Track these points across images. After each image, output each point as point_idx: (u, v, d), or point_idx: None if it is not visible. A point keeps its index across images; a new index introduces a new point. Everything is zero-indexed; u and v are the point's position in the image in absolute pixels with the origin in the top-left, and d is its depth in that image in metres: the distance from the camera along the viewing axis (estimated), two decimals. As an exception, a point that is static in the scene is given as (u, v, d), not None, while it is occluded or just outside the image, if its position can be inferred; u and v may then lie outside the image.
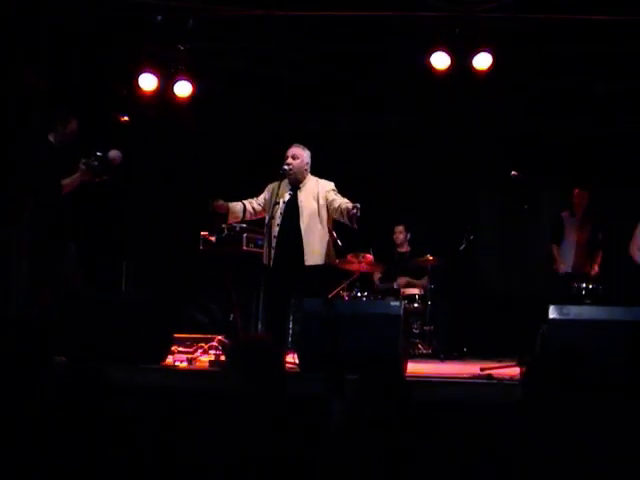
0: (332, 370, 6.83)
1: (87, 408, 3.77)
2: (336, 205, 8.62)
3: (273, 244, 8.69)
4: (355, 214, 8.37)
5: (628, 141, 12.81)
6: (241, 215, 9.00)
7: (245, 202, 9.02)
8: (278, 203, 8.69)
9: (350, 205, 8.43)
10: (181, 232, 12.12)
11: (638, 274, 11.47)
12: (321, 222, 8.81)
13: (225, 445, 3.54)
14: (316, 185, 8.85)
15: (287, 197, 8.77)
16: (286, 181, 8.85)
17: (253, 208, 9.00)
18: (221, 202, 8.90)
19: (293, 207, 8.77)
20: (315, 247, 8.80)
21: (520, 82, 11.65)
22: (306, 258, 8.74)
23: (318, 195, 8.79)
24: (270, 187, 8.98)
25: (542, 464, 2.97)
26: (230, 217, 9.05)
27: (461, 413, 6.90)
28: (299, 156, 8.84)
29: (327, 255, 8.86)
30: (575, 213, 11.46)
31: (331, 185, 8.86)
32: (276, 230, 8.70)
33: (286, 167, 8.76)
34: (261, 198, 9.03)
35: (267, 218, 8.84)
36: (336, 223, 8.97)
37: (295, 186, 8.84)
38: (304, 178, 8.87)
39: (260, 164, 9.10)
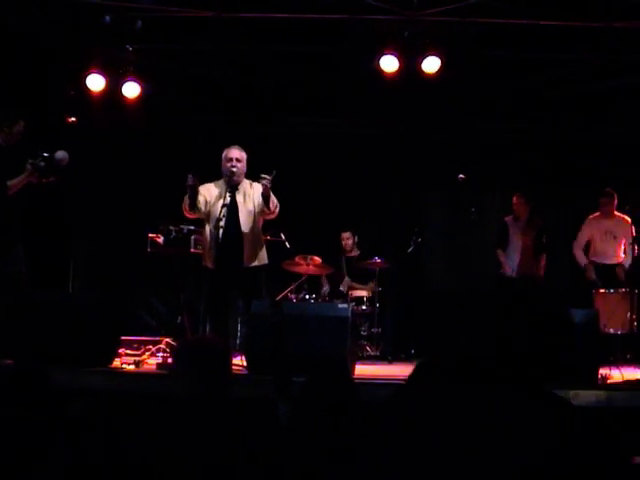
0: (279, 372, 6.84)
1: (32, 411, 3.74)
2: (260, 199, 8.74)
3: (218, 247, 8.68)
4: (265, 185, 8.48)
5: (574, 144, 12.96)
6: (197, 207, 8.84)
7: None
8: (226, 205, 8.67)
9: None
10: (129, 234, 12.06)
11: (583, 276, 11.62)
12: (257, 224, 8.96)
13: (172, 447, 3.53)
14: (251, 188, 8.87)
15: (228, 199, 8.76)
16: (222, 182, 8.89)
17: (201, 207, 8.92)
18: (197, 181, 8.74)
19: (233, 209, 8.79)
20: (254, 249, 8.90)
21: (468, 86, 11.72)
22: (247, 260, 8.81)
23: (254, 198, 8.82)
24: (206, 190, 8.96)
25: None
26: (196, 201, 8.80)
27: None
28: (242, 159, 8.88)
29: (263, 256, 9.03)
30: (519, 217, 11.56)
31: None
32: (221, 232, 8.68)
33: (234, 169, 8.77)
34: (201, 201, 8.90)
35: (210, 220, 8.82)
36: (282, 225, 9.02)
37: (234, 188, 8.86)
38: (243, 181, 8.94)
39: (208, 165, 9.04)
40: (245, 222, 8.83)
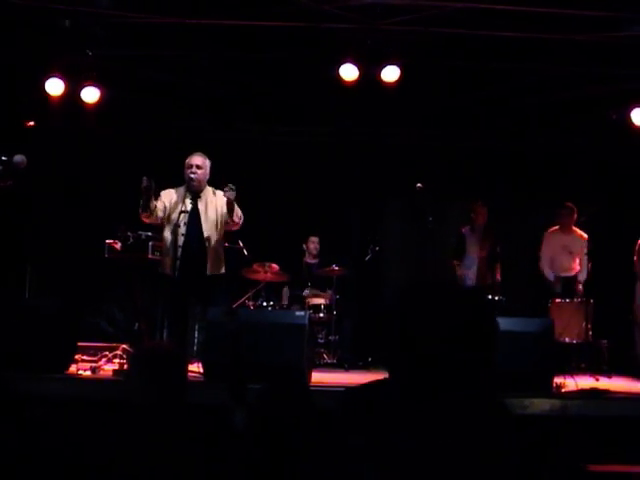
0: (235, 379, 6.84)
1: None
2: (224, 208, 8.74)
3: (178, 254, 8.65)
4: (228, 196, 8.51)
5: (533, 155, 13.07)
6: (153, 211, 8.78)
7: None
8: (185, 212, 8.65)
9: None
10: (86, 239, 12.00)
11: (540, 287, 11.73)
12: (219, 232, 8.92)
13: (127, 454, 3.53)
14: (214, 196, 8.85)
15: (189, 206, 8.73)
16: (183, 189, 8.87)
17: (158, 212, 8.86)
18: (152, 184, 8.62)
19: (194, 216, 8.76)
20: (216, 257, 8.88)
21: (428, 95, 11.77)
22: (209, 268, 8.79)
23: (217, 206, 8.80)
24: (167, 195, 8.93)
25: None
26: (150, 204, 8.70)
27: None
28: (203, 166, 8.84)
29: (223, 264, 9.00)
30: (475, 228, 11.64)
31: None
32: (181, 240, 8.66)
33: (193, 176, 8.74)
34: (160, 206, 8.87)
35: (169, 226, 8.79)
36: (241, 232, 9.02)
37: (196, 195, 8.83)
38: (204, 188, 8.90)
39: (167, 172, 9.01)
40: (207, 230, 8.80)
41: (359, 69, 10.26)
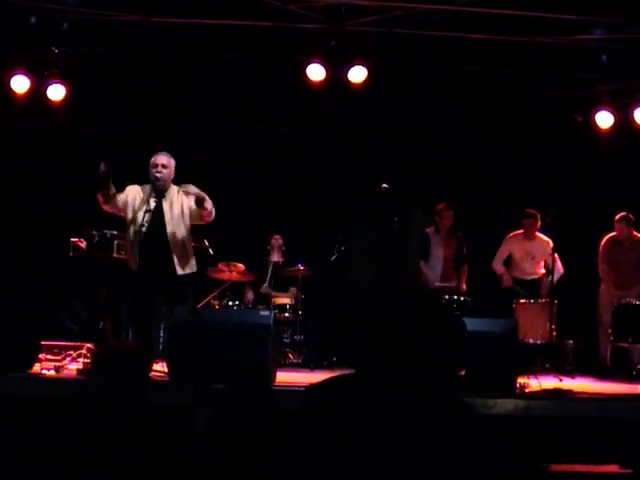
0: (198, 379, 6.84)
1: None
2: (192, 205, 8.67)
3: (141, 253, 8.57)
4: (190, 191, 8.49)
5: (498, 157, 13.13)
6: (112, 199, 8.62)
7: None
8: (149, 211, 8.56)
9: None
10: (51, 237, 11.93)
11: (502, 288, 11.79)
12: (186, 230, 8.80)
13: (89, 453, 3.52)
14: (179, 194, 8.77)
15: (152, 205, 8.61)
16: (148, 188, 8.78)
17: (118, 201, 8.74)
18: (109, 169, 8.48)
19: (158, 215, 8.64)
20: (183, 255, 8.78)
21: (394, 96, 11.79)
22: (176, 267, 8.71)
23: (182, 204, 8.72)
24: (132, 191, 8.80)
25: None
26: (108, 190, 8.55)
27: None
28: (168, 165, 8.75)
29: (192, 263, 8.90)
30: (440, 229, 11.67)
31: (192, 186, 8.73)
32: (144, 238, 8.54)
33: (158, 175, 8.67)
34: (122, 198, 8.74)
35: (133, 224, 8.71)
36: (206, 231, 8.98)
37: (160, 194, 8.73)
38: (169, 187, 8.80)
39: (132, 170, 8.96)
40: (171, 228, 8.69)
41: (326, 70, 10.27)
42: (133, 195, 8.74)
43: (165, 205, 8.70)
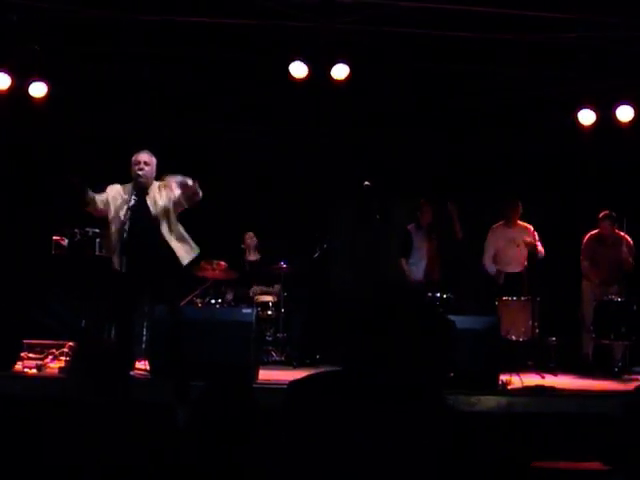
0: (178, 377, 6.84)
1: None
2: (177, 193, 8.56)
3: (124, 250, 8.52)
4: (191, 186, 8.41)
5: (480, 153, 13.15)
6: (91, 202, 8.48)
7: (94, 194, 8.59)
8: (132, 208, 8.50)
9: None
10: (33, 236, 11.90)
11: (486, 284, 11.81)
12: (175, 221, 8.70)
13: (71, 451, 3.52)
14: (159, 190, 8.68)
15: (134, 202, 8.46)
16: (130, 186, 8.65)
17: (97, 202, 8.57)
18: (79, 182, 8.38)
19: (143, 212, 8.56)
20: (181, 244, 8.74)
21: (377, 94, 11.80)
22: (177, 259, 8.64)
23: (166, 197, 8.65)
24: (113, 190, 8.67)
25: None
26: (85, 196, 8.42)
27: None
28: (150, 163, 8.66)
29: (193, 245, 8.79)
30: (421, 225, 11.69)
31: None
32: (125, 235, 8.47)
33: (140, 172, 8.63)
34: (103, 198, 8.59)
35: (115, 223, 8.63)
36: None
37: (143, 191, 8.62)
38: (151, 184, 8.71)
39: (113, 167, 8.92)
40: (162, 223, 8.60)
41: (308, 67, 10.27)
42: (114, 194, 8.62)
43: (149, 201, 8.62)
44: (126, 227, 8.38)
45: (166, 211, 8.65)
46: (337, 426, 2.72)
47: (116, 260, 8.60)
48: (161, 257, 8.60)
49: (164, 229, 8.61)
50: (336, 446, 2.69)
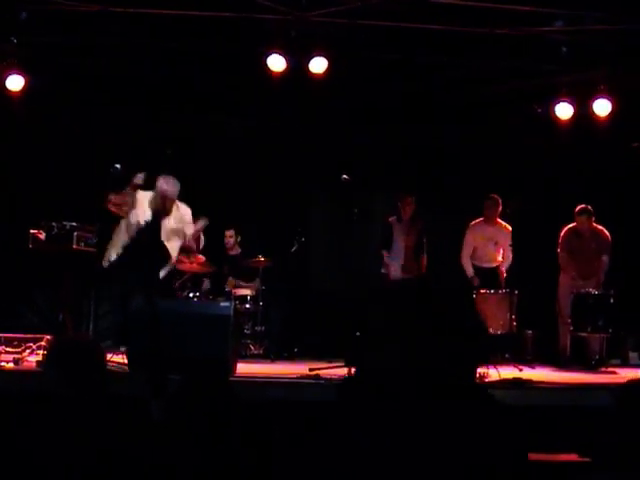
0: (153, 370, 6.83)
1: None
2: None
3: (128, 248, 9.12)
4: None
5: (458, 148, 13.17)
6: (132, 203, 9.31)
7: None
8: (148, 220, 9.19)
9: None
10: (9, 229, 11.85)
11: (462, 277, 11.84)
12: (178, 241, 9.54)
13: (49, 447, 3.50)
14: (177, 209, 9.44)
15: (150, 215, 9.28)
16: (151, 195, 9.33)
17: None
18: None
19: (156, 227, 9.28)
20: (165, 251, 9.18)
21: (355, 87, 11.79)
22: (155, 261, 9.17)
23: (179, 218, 9.43)
24: (141, 196, 9.28)
25: (361, 460, 3.04)
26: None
27: (288, 412, 6.99)
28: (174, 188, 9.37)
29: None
30: (402, 219, 11.69)
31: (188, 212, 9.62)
32: (135, 239, 9.16)
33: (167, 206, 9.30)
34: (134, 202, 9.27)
35: (130, 225, 9.20)
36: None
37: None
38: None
39: (92, 161, 8.96)
40: (167, 239, 9.37)
41: (286, 60, 10.26)
42: (141, 200, 9.24)
43: (164, 220, 9.33)
44: (137, 228, 9.08)
45: (173, 227, 9.41)
46: (396, 425, 2.71)
47: (108, 257, 8.85)
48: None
49: (168, 244, 9.40)
50: (397, 446, 2.67)
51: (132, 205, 9.14)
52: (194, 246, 9.59)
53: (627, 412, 3.37)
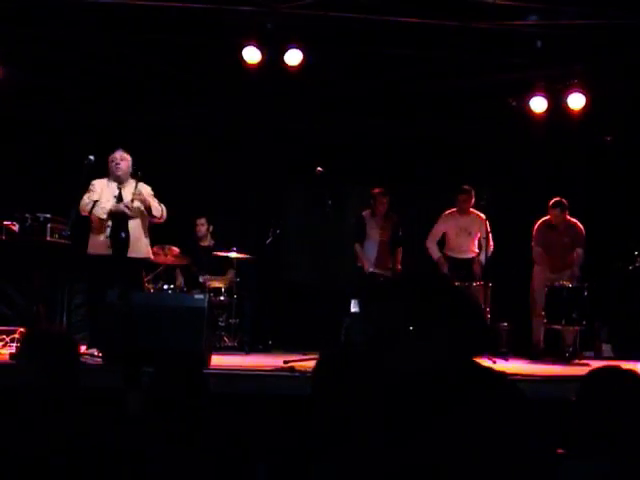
0: (128, 362, 6.81)
1: None
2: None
3: (106, 238, 9.28)
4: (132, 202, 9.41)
5: (432, 141, 13.20)
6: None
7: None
8: (115, 197, 9.36)
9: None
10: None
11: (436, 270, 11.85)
12: (142, 218, 9.53)
13: (22, 439, 3.49)
14: (136, 188, 9.45)
15: (116, 191, 9.45)
16: (108, 179, 9.54)
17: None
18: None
19: (120, 202, 9.40)
20: (137, 241, 9.48)
21: (330, 80, 11.78)
22: (131, 251, 9.39)
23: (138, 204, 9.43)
24: (101, 184, 9.51)
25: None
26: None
27: (262, 405, 6.99)
28: (124, 159, 9.57)
29: (148, 250, 9.73)
30: (376, 212, 11.69)
31: (149, 189, 9.61)
32: (109, 224, 9.30)
33: (117, 167, 9.50)
34: (95, 195, 9.38)
35: (99, 209, 9.29)
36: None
37: (119, 184, 9.51)
38: (127, 179, 9.57)
39: (62, 154, 8.97)
40: (131, 215, 9.42)
41: (261, 52, 10.25)
42: (102, 187, 9.49)
43: (124, 193, 9.45)
44: (107, 212, 9.31)
45: (137, 205, 9.46)
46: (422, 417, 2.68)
47: (100, 243, 9.23)
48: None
49: (133, 220, 9.45)
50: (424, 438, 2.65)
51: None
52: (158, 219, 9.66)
53: (589, 401, 3.39)
